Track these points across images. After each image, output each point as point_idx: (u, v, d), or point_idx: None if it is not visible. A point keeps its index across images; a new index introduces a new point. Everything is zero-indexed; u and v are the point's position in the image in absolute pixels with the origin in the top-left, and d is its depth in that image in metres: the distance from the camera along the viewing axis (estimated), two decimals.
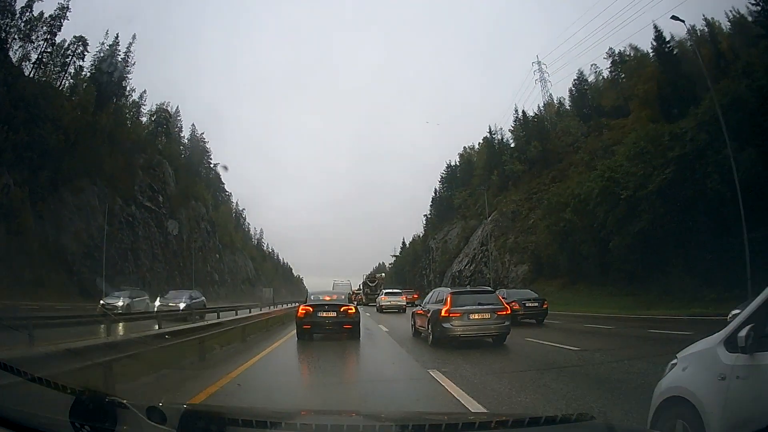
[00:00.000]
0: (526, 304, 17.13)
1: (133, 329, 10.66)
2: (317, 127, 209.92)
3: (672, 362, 3.15)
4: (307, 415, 3.12)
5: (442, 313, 10.34)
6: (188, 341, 8.21)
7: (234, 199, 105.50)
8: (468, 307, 10.38)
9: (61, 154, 44.97)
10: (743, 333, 2.43)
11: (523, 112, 59.66)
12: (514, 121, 59.06)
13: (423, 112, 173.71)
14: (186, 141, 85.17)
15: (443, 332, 10.26)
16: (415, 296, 34.36)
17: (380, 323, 18.35)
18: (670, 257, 23.31)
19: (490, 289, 13.98)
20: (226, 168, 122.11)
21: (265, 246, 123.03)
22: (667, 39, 47.77)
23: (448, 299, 10.58)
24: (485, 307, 10.53)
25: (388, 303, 27.55)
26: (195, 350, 8.54)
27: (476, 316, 10.28)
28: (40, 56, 49.96)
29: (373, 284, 41.46)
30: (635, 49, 51.98)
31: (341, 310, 12.25)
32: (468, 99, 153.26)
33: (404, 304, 28.10)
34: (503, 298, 12.90)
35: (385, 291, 31.77)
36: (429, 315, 11.21)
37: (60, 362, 4.36)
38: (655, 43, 48.54)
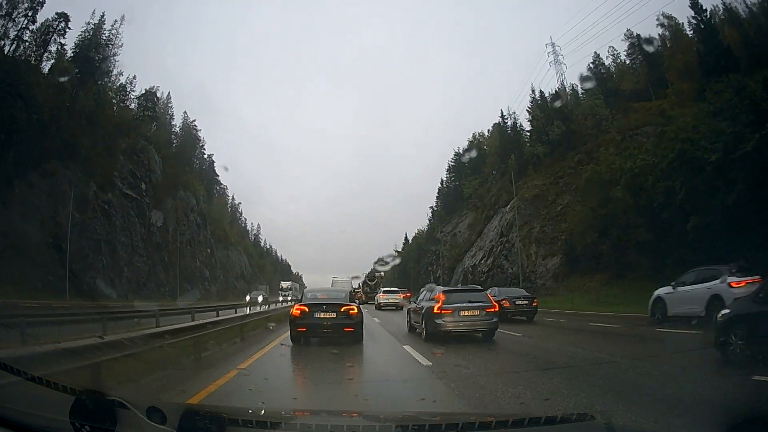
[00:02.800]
0: (516, 302, 18.04)
1: None
2: (319, 122, 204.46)
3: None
4: (307, 416, 3.12)
5: (435, 310, 11.08)
6: None
7: (230, 193, 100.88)
8: (459, 305, 11.09)
9: (32, 134, 40.84)
10: None
11: (541, 92, 54.99)
12: (531, 101, 54.22)
13: (427, 104, 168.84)
14: (178, 130, 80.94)
15: (436, 327, 10.99)
16: (408, 295, 33.88)
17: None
18: (763, 237, 18.02)
19: (479, 287, 15.10)
20: (226, 168, 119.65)
21: (262, 242, 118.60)
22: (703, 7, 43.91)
23: (441, 297, 11.36)
24: (475, 304, 11.25)
25: (386, 300, 28.63)
26: None
27: (466, 313, 10.99)
28: (19, 33, 46.39)
29: (373, 283, 41.64)
30: (669, 18, 47.39)
31: (341, 310, 10.76)
32: (475, 88, 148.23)
33: (401, 301, 28.34)
34: (494, 296, 14.36)
35: (383, 289, 32.88)
36: (423, 311, 11.88)
37: None
38: (692, 12, 44.57)
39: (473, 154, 69.74)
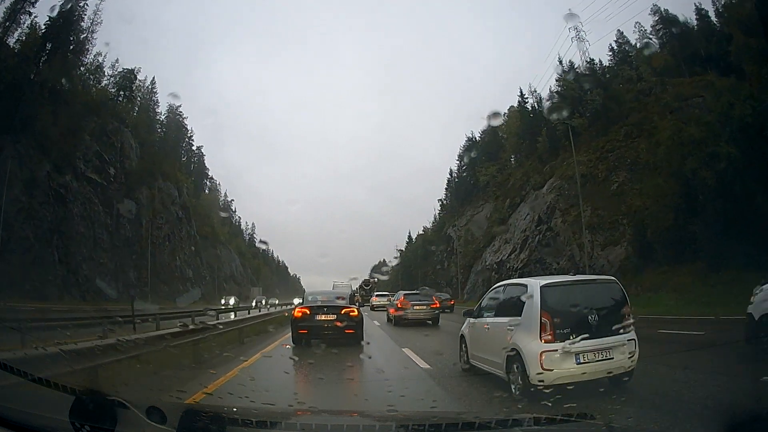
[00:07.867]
0: (443, 301, 26.75)
1: None
2: (320, 121, 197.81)
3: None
4: (307, 415, 3.17)
5: (399, 306, 18.32)
6: None
7: (222, 189, 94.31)
8: (413, 302, 18.29)
9: None
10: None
11: (571, 62, 48.68)
12: (560, 74, 47.73)
13: (430, 101, 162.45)
14: (163, 119, 74.69)
15: (399, 317, 17.88)
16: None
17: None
18: None
19: (428, 291, 23.83)
20: (226, 171, 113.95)
21: (257, 242, 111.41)
22: None
23: (402, 298, 18.68)
24: (423, 302, 18.55)
25: (379, 303, 33.17)
26: None
27: (417, 307, 18.07)
28: None
29: (368, 287, 45.20)
30: None
31: (342, 312, 11.12)
32: (482, 77, 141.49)
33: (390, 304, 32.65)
34: (436, 297, 21.15)
35: (376, 293, 37.88)
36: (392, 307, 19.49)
37: None
38: None
39: (473, 154, 65.45)
